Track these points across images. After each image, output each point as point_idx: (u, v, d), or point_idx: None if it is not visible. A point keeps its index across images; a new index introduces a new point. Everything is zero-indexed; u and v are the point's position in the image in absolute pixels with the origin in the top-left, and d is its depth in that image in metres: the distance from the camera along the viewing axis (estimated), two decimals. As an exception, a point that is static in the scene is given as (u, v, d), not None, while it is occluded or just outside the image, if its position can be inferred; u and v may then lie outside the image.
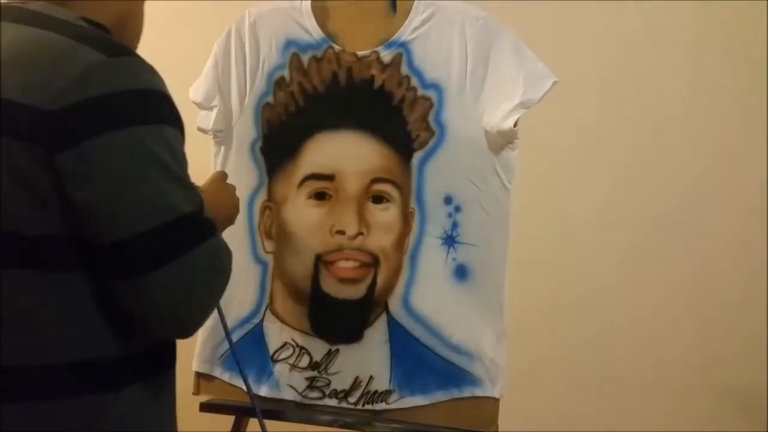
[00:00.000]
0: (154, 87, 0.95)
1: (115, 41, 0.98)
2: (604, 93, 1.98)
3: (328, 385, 1.47)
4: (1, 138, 0.89)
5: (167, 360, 1.06)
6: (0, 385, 0.91)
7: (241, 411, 1.51)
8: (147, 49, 1.16)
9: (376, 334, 1.46)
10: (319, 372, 1.47)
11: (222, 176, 1.27)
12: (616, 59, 1.98)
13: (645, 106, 1.97)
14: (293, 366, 1.49)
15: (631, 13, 1.97)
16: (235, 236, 1.51)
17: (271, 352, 1.50)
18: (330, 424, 1.46)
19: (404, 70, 1.45)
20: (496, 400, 1.42)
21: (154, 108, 0.94)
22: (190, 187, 0.97)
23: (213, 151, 1.55)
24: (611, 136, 1.99)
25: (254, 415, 1.49)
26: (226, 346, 1.51)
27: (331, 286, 1.47)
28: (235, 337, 1.51)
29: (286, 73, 1.50)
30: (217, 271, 0.99)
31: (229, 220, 1.24)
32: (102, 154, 0.89)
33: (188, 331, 1.00)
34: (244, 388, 1.49)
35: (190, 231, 0.95)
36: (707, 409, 1.93)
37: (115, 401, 0.96)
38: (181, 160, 0.96)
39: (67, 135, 0.88)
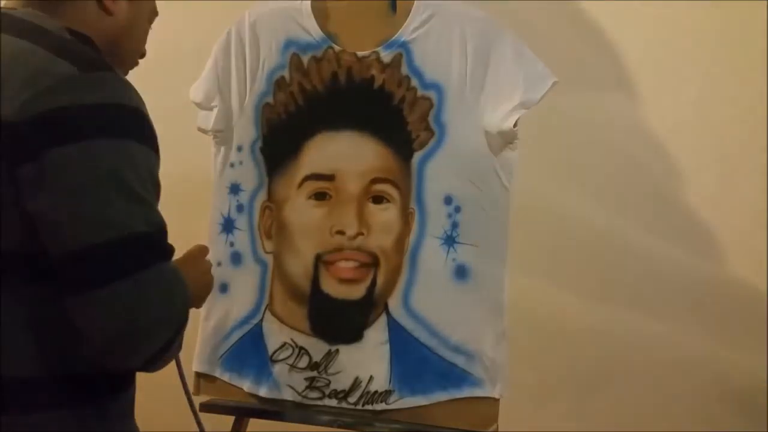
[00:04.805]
0: (125, 102, 0.91)
1: (94, 56, 0.95)
2: (605, 93, 1.98)
3: (328, 385, 1.47)
4: None
5: (120, 383, 1.01)
6: None
7: (241, 411, 1.51)
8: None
9: (376, 335, 1.46)
10: (318, 372, 1.47)
11: (200, 251, 1.16)
12: (617, 60, 1.97)
13: (646, 106, 1.97)
14: (293, 366, 1.48)
15: (632, 14, 1.96)
16: (235, 236, 1.53)
17: (271, 352, 1.49)
18: (330, 424, 1.46)
19: (404, 70, 1.45)
20: (496, 400, 1.42)
21: (120, 123, 0.90)
22: (149, 207, 0.91)
23: (213, 151, 1.55)
24: (611, 136, 1.98)
25: (254, 416, 1.49)
26: (226, 346, 1.51)
27: (330, 287, 1.47)
28: (234, 337, 1.51)
29: (286, 73, 1.50)
30: (167, 301, 0.91)
31: (200, 299, 1.14)
32: (57, 164, 0.86)
33: (134, 362, 0.93)
34: (244, 388, 1.49)
35: (140, 251, 0.88)
36: (707, 409, 1.93)
37: (84, 419, 0.94)
38: (145, 178, 0.91)
39: (29, 147, 0.85)
